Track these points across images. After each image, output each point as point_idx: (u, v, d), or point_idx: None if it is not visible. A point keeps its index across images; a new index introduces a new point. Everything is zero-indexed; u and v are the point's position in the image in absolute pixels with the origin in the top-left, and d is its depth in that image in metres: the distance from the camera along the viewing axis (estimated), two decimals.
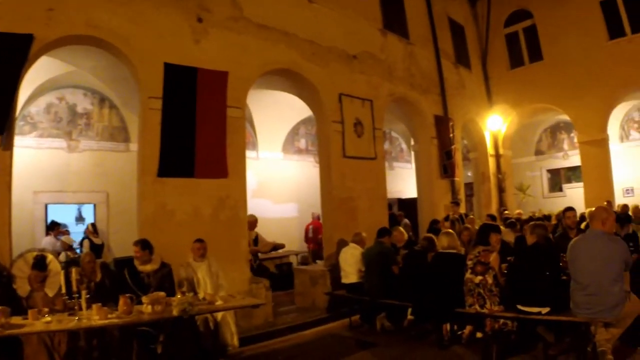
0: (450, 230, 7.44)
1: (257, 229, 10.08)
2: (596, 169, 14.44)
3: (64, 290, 5.54)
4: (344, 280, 8.64)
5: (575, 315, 5.14)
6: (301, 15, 10.32)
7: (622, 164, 15.88)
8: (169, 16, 8.12)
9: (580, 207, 11.96)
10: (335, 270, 9.41)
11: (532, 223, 6.33)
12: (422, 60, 13.85)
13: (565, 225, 7.86)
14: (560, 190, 18.78)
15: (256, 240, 9.89)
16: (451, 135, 14.19)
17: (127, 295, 5.35)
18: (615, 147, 16.10)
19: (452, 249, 6.87)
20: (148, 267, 6.43)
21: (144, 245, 6.47)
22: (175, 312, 5.20)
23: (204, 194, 8.16)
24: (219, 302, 5.86)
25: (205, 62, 8.31)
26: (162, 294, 5.53)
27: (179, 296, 5.45)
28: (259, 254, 10.05)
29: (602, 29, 14.51)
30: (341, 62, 11.05)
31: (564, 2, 15.06)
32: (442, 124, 14.09)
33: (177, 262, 6.77)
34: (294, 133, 15.97)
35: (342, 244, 9.46)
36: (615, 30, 14.31)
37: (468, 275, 6.10)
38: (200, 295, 6.22)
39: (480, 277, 5.94)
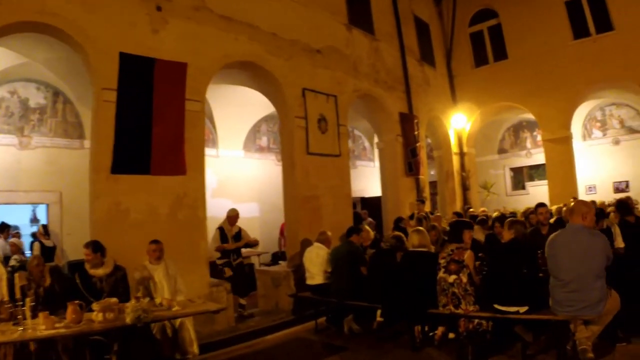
0: (421, 228, 7.22)
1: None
2: (560, 166, 14.62)
3: (6, 298, 5.09)
4: (309, 282, 8.32)
5: (555, 314, 4.98)
6: (265, 6, 9.92)
7: (584, 162, 16.12)
8: (126, 4, 7.61)
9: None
10: (299, 271, 9.11)
11: (510, 219, 6.15)
12: (387, 57, 13.66)
13: (538, 222, 7.76)
14: (523, 188, 18.97)
15: (239, 235, 9.30)
16: (416, 132, 14.06)
17: (76, 302, 4.89)
18: (578, 145, 16.36)
19: (423, 248, 6.64)
20: (100, 271, 5.98)
21: (95, 247, 6.01)
22: (128, 320, 4.76)
23: (160, 192, 7.67)
24: (176, 308, 5.45)
25: (164, 52, 7.85)
26: (114, 300, 5.09)
27: (133, 302, 5.03)
28: (242, 252, 9.50)
29: (567, 29, 14.69)
30: (305, 56, 10.71)
31: (530, 2, 15.20)
32: (407, 121, 13.94)
33: (131, 265, 6.32)
34: (255, 130, 15.60)
35: (306, 243, 9.13)
36: (580, 30, 14.52)
37: (441, 274, 5.86)
38: (157, 300, 5.82)
39: (454, 276, 5.71)
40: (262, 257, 13.35)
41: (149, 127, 7.46)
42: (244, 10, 9.42)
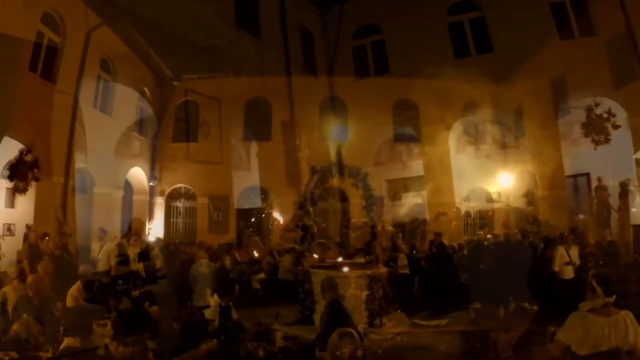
0: (324, 241, 6.73)
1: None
2: (438, 178, 15.12)
3: None
4: (197, 302, 7.44)
5: (477, 325, 4.91)
6: None
7: (458, 175, 16.54)
8: None
9: (421, 214, 13.25)
10: (182, 290, 8.17)
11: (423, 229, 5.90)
12: (272, 63, 13.24)
13: (438, 232, 7.60)
14: (400, 199, 19.17)
15: (146, 255, 7.75)
16: (297, 142, 13.69)
17: None
18: (454, 157, 16.71)
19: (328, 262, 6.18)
20: None
21: None
22: None
23: None
24: None
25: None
26: None
27: None
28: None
29: (449, 48, 15.33)
30: (190, 54, 9.92)
31: (414, 21, 15.53)
32: (289, 129, 13.54)
33: None
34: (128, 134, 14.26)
35: (189, 260, 8.24)
36: (461, 50, 15.26)
37: (352, 290, 5.37)
38: None
39: (366, 292, 5.28)
40: None
41: None
42: None
